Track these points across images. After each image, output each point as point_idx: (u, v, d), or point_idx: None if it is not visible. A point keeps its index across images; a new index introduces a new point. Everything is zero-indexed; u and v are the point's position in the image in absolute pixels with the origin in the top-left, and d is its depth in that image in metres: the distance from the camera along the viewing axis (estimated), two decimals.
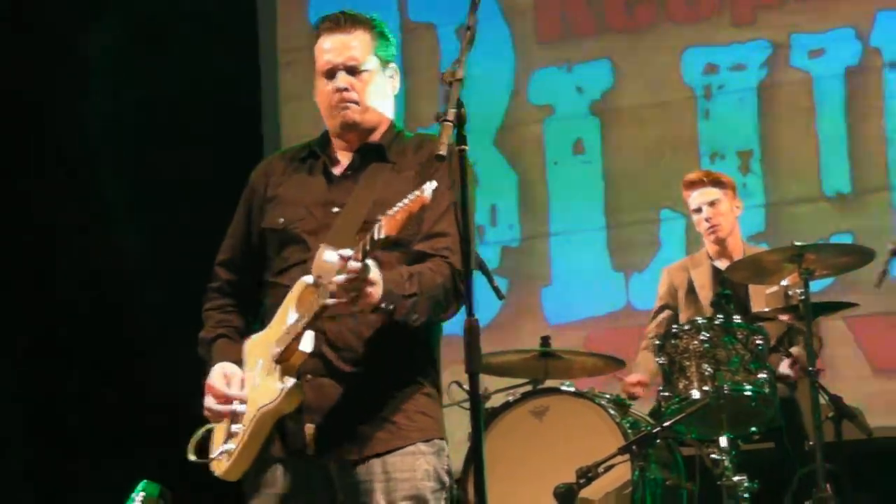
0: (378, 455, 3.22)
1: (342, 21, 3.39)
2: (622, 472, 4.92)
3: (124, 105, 7.28)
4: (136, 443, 6.64)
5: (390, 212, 2.93)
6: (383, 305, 3.08)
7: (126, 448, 6.68)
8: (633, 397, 5.57)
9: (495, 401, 5.30)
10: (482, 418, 3.02)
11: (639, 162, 6.99)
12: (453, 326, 7.14)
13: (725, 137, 6.92)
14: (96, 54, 7.29)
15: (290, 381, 3.14)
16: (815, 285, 5.29)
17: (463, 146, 2.95)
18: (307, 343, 3.12)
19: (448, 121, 2.90)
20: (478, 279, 3.09)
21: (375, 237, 2.93)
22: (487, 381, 5.19)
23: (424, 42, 7.36)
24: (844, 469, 5.09)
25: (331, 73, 3.37)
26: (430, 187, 2.95)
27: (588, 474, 4.83)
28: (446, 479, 3.30)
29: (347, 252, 2.98)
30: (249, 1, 7.55)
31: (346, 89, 3.35)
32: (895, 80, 6.73)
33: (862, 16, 6.79)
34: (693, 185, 5.84)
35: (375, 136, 3.40)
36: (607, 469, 4.86)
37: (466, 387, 4.88)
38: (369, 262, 3.01)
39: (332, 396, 3.21)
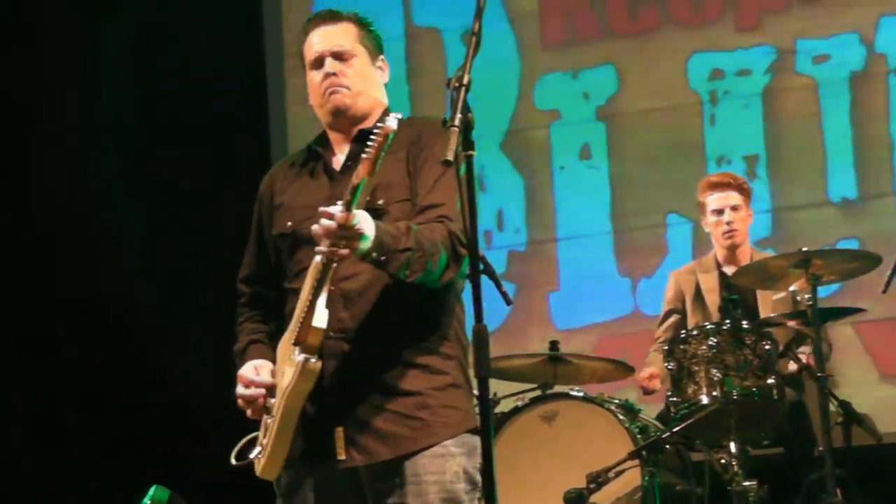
0: (407, 456, 3.19)
1: (328, 16, 3.44)
2: (632, 477, 4.92)
3: (128, 106, 7.28)
4: (143, 445, 6.64)
5: (363, 154, 2.97)
6: (374, 255, 3.07)
7: (133, 451, 6.69)
8: (648, 392, 5.57)
9: (504, 406, 5.30)
10: (492, 423, 3.00)
11: (645, 167, 6.98)
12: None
13: (731, 142, 6.92)
14: (100, 54, 7.30)
15: (301, 357, 3.13)
16: (823, 291, 5.29)
17: (470, 151, 2.94)
18: (321, 318, 3.11)
19: (454, 126, 2.89)
20: (485, 284, 3.08)
21: (354, 182, 2.97)
22: (496, 386, 5.18)
23: (429, 46, 7.36)
24: (854, 475, 5.08)
25: (319, 62, 3.39)
26: (393, 118, 2.98)
27: (598, 479, 4.83)
28: (478, 478, 3.23)
29: (335, 208, 3.01)
30: (254, 4, 7.55)
31: (334, 74, 3.36)
32: None
33: (866, 21, 6.79)
34: (717, 186, 5.81)
35: (368, 123, 3.38)
36: (617, 474, 4.86)
37: (476, 392, 4.90)
38: (360, 212, 3.01)
39: (357, 397, 3.20)
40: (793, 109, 6.87)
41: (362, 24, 3.45)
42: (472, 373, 3.03)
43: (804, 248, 5.03)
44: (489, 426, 2.92)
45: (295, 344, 3.17)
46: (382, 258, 3.08)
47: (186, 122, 7.10)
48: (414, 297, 3.20)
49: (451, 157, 2.85)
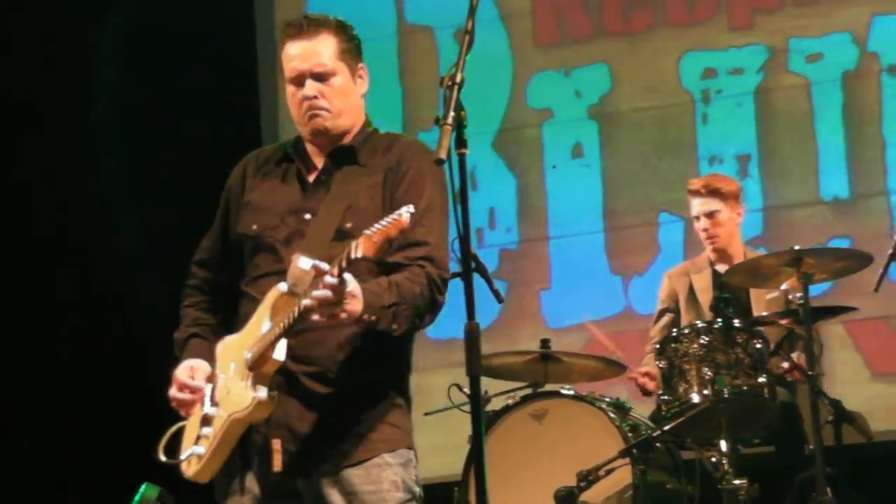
0: (345, 468, 3.20)
1: (306, 26, 3.36)
2: (623, 475, 4.92)
3: (120, 107, 7.27)
4: (136, 443, 6.62)
5: (368, 231, 2.92)
6: (365, 317, 3.07)
7: (126, 449, 6.67)
8: (645, 391, 5.56)
9: (495, 404, 5.30)
10: (483, 421, 3.01)
11: (637, 165, 6.99)
12: (453, 329, 7.13)
13: (724, 142, 6.92)
14: (92, 52, 7.29)
15: (263, 392, 3.14)
16: (815, 290, 5.29)
17: (463, 150, 2.94)
18: (280, 352, 3.12)
19: (447, 125, 2.90)
20: (477, 282, 3.08)
21: (352, 256, 2.92)
22: (487, 385, 5.17)
23: (422, 45, 7.36)
24: (844, 473, 5.09)
25: (299, 81, 3.35)
26: (407, 211, 2.94)
27: (588, 477, 4.84)
28: (416, 489, 3.28)
29: (324, 266, 2.97)
30: (246, 1, 7.54)
31: (315, 97, 3.33)
32: (892, 84, 6.73)
33: (859, 21, 6.80)
34: (692, 194, 5.84)
35: (347, 139, 3.39)
36: (608, 473, 4.87)
37: (466, 390, 4.90)
38: (347, 276, 2.99)
39: (298, 411, 3.21)
40: (785, 108, 6.88)
41: (342, 33, 3.38)
42: (461, 371, 3.04)
43: (796, 247, 5.04)
44: (480, 424, 2.92)
45: (250, 369, 3.17)
46: (373, 318, 3.09)
47: (179, 120, 7.09)
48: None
49: (443, 155, 2.85)
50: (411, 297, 3.14)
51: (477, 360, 2.90)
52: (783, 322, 5.20)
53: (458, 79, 2.94)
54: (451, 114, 2.90)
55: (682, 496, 5.15)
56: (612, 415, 5.09)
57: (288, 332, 3.11)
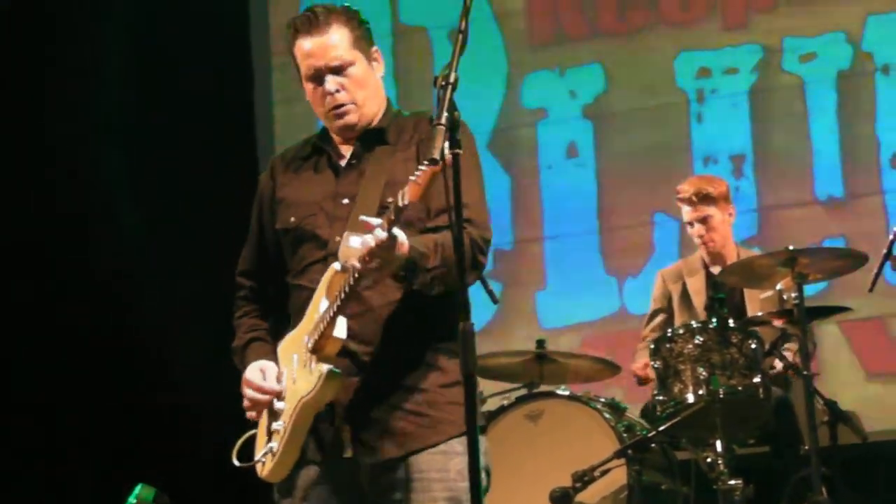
0: (413, 453, 3.19)
1: (316, 20, 3.33)
2: (618, 476, 4.93)
3: (115, 107, 7.26)
4: (133, 445, 6.63)
5: (412, 177, 2.90)
6: (402, 273, 3.08)
7: (124, 450, 6.67)
8: (644, 381, 5.55)
9: (490, 405, 5.29)
10: (478, 422, 2.99)
11: (632, 166, 6.98)
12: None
13: (718, 141, 6.92)
14: (88, 57, 7.29)
15: (326, 367, 3.12)
16: (809, 289, 5.29)
17: (457, 150, 2.93)
18: (341, 329, 3.10)
19: (441, 125, 2.88)
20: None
21: (400, 204, 2.92)
22: (482, 385, 5.16)
23: (416, 45, 7.35)
24: (839, 473, 5.09)
25: (317, 78, 3.33)
26: (449, 152, 2.90)
27: (584, 478, 4.84)
28: (483, 476, 3.15)
29: (375, 220, 2.98)
30: (241, 2, 7.54)
31: (336, 91, 3.31)
32: (886, 84, 6.73)
33: (853, 20, 6.80)
34: (682, 201, 5.83)
35: (374, 122, 3.38)
36: (603, 473, 4.87)
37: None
38: (396, 231, 2.99)
39: (363, 395, 3.19)
40: (780, 108, 6.88)
41: (352, 21, 3.36)
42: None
43: (791, 247, 5.03)
44: (475, 425, 2.91)
45: (312, 352, 3.16)
46: (410, 275, 3.09)
47: (175, 121, 7.08)
48: (421, 296, 3.19)
49: (437, 155, 2.84)
50: (454, 260, 3.07)
51: (472, 361, 2.89)
52: (778, 322, 5.20)
53: (452, 78, 2.92)
54: (445, 114, 2.89)
55: (677, 496, 5.15)
56: (607, 415, 5.09)
57: (344, 306, 3.09)
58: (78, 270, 7.06)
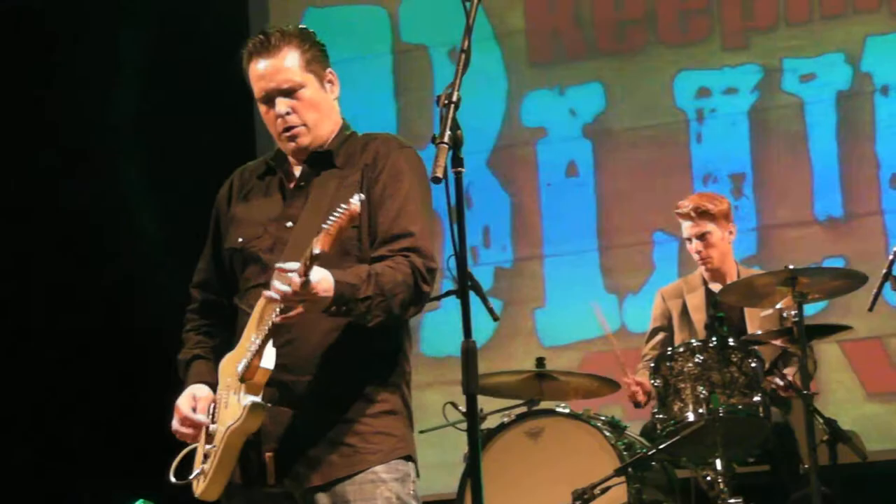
0: (338, 481, 3.19)
1: (267, 43, 3.33)
2: (618, 493, 4.92)
3: (118, 107, 7.28)
4: (133, 458, 6.61)
5: (324, 226, 2.94)
6: (333, 309, 3.07)
7: (123, 463, 6.66)
8: (636, 403, 5.54)
9: (491, 422, 5.30)
10: (480, 439, 3.00)
11: (632, 184, 7.00)
12: (447, 347, 7.13)
13: (718, 161, 6.93)
14: (96, 57, 7.31)
15: (250, 399, 3.14)
16: (809, 309, 5.30)
17: (459, 168, 2.95)
18: (269, 359, 3.13)
19: (444, 143, 2.90)
20: (472, 301, 3.09)
21: (313, 253, 2.93)
22: (482, 403, 5.13)
23: (417, 63, 7.37)
24: (839, 492, 5.09)
25: (268, 100, 3.33)
26: (357, 199, 2.95)
27: (584, 496, 4.84)
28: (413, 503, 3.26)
29: (293, 265, 2.98)
30: (242, 10, 7.55)
31: (287, 113, 3.31)
32: (886, 104, 6.75)
33: (852, 41, 6.82)
34: (681, 216, 5.84)
35: (324, 144, 3.38)
36: (603, 491, 4.87)
37: (462, 408, 4.90)
38: (313, 273, 2.98)
39: (290, 423, 3.20)
40: (779, 128, 6.90)
41: (305, 43, 3.35)
42: (457, 389, 3.04)
43: (790, 266, 5.04)
44: (477, 442, 2.92)
45: (241, 380, 3.17)
46: (343, 309, 3.09)
47: (177, 124, 7.09)
48: (355, 325, 3.18)
49: (440, 174, 2.85)
50: (391, 287, 3.12)
51: (474, 378, 2.90)
52: (778, 341, 5.20)
53: (455, 97, 2.94)
54: (448, 132, 2.90)
55: None
56: (607, 433, 5.09)
57: (271, 336, 3.11)
58: (90, 275, 7.09)
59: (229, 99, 7.22)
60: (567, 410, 5.22)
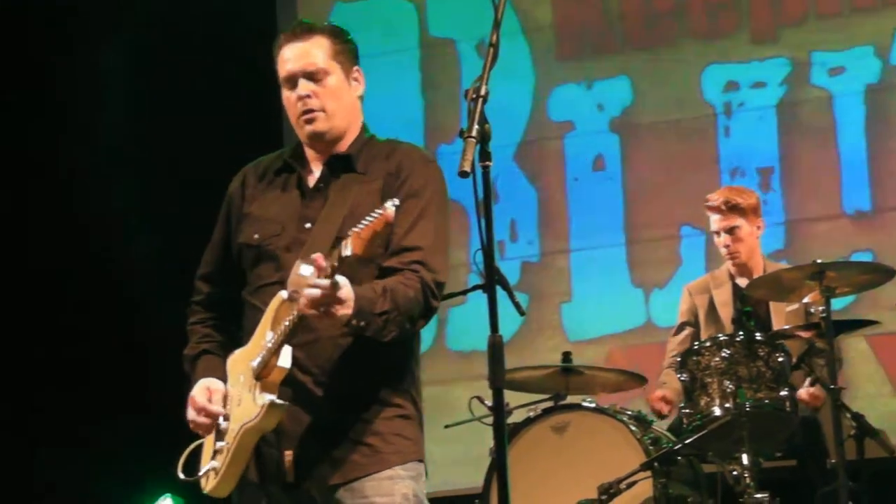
0: (356, 479, 3.21)
1: (299, 30, 3.37)
2: (644, 488, 4.92)
3: (140, 103, 7.30)
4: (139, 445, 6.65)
5: (356, 229, 2.93)
6: (353, 322, 3.08)
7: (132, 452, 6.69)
8: (659, 415, 5.55)
9: (516, 416, 5.30)
10: (506, 433, 3.01)
11: (659, 178, 6.98)
12: (474, 342, 7.12)
13: (746, 155, 6.91)
14: (114, 51, 7.33)
15: (268, 398, 3.14)
16: (837, 303, 5.28)
17: (487, 162, 2.95)
18: (285, 358, 3.13)
19: (472, 137, 2.90)
20: (499, 295, 3.09)
21: (343, 254, 2.94)
22: (508, 397, 5.11)
23: (444, 57, 7.38)
24: (867, 488, 5.07)
25: (291, 81, 3.34)
26: (391, 204, 2.96)
27: (610, 490, 4.83)
28: (425, 502, 3.29)
29: (324, 262, 2.98)
30: (270, 5, 7.56)
31: (308, 96, 3.32)
32: None
33: (882, 34, 6.79)
34: (711, 209, 5.82)
35: (343, 146, 3.38)
36: (629, 486, 4.86)
37: (488, 402, 4.91)
38: (339, 278, 3.00)
39: (308, 422, 3.21)
40: (808, 121, 6.87)
41: (336, 36, 3.38)
42: (483, 384, 3.04)
43: (818, 261, 5.02)
44: (503, 436, 2.92)
45: (257, 378, 3.18)
46: (362, 324, 3.10)
47: (199, 125, 7.11)
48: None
49: (468, 167, 2.85)
50: (404, 303, 3.15)
51: (500, 373, 2.90)
52: (805, 335, 5.19)
53: (483, 91, 2.94)
54: (476, 126, 2.90)
55: None
56: (633, 428, 5.08)
57: (289, 338, 3.12)
58: (99, 281, 7.12)
59: (258, 94, 7.32)
60: (593, 405, 5.22)
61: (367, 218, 2.94)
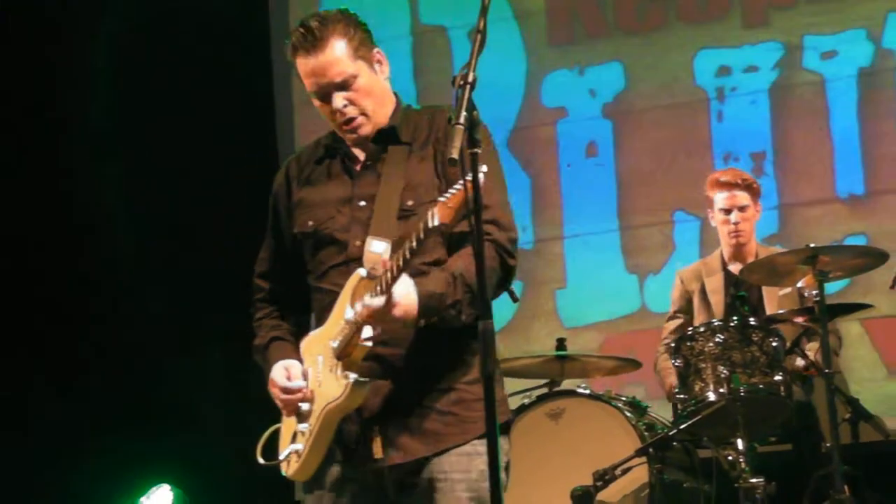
0: (437, 454, 3.20)
1: (312, 37, 3.27)
2: (639, 474, 4.93)
3: (133, 107, 7.29)
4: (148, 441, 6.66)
5: (443, 198, 2.88)
6: (423, 321, 3.08)
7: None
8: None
9: (511, 403, 5.28)
10: (497, 424, 3.00)
11: (652, 164, 6.98)
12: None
13: (739, 139, 6.91)
14: (105, 53, 7.32)
15: (353, 377, 3.13)
16: (831, 287, 5.28)
17: (476, 149, 2.93)
18: (367, 334, 3.11)
19: (460, 124, 2.88)
20: None
21: (430, 224, 2.89)
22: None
23: (436, 45, 7.36)
24: (861, 471, 5.07)
25: (323, 96, 3.31)
26: (482, 172, 2.87)
27: (605, 476, 4.84)
28: (504, 476, 3.23)
29: (386, 252, 3.00)
30: (261, 2, 7.56)
31: (345, 106, 3.29)
32: None
33: (874, 17, 6.78)
34: (725, 185, 5.79)
35: (385, 119, 3.36)
36: (624, 471, 4.87)
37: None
38: (400, 281, 2.99)
39: (392, 397, 3.20)
40: (800, 105, 6.86)
41: (348, 30, 3.31)
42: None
43: (812, 245, 5.02)
44: (494, 425, 2.91)
45: (338, 357, 3.16)
46: (433, 320, 3.09)
47: (194, 123, 7.10)
48: None
49: (455, 155, 2.83)
50: (476, 283, 3.03)
51: (492, 360, 2.89)
52: (799, 319, 5.19)
53: (470, 78, 2.91)
54: (464, 113, 2.89)
55: (698, 495, 5.15)
56: (628, 414, 5.09)
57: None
58: (92, 278, 7.12)
59: (251, 82, 7.33)
60: (588, 391, 5.22)
61: (455, 186, 2.88)
